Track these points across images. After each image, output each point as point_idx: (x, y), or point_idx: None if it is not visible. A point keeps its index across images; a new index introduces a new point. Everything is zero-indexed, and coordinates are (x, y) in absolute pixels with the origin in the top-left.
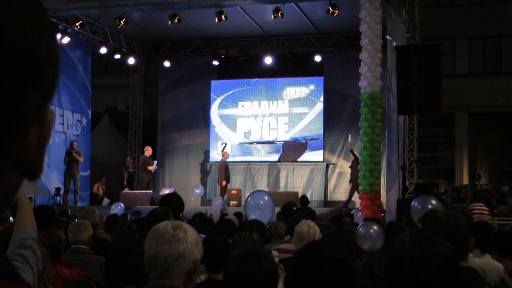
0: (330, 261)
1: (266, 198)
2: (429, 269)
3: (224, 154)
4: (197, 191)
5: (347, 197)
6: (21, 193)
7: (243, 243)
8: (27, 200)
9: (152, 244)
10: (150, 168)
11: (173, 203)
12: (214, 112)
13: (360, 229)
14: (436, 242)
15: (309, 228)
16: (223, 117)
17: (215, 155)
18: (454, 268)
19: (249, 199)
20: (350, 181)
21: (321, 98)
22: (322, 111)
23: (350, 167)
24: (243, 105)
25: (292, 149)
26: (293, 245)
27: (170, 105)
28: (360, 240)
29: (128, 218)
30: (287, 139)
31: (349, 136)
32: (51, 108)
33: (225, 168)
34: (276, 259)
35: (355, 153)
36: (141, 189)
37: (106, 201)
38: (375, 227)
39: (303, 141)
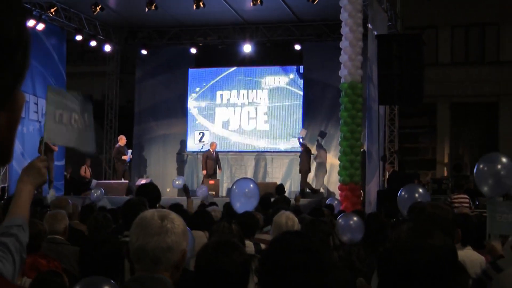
0: (300, 251)
1: (251, 185)
2: (425, 262)
3: (212, 144)
4: (177, 182)
5: (311, 188)
6: (20, 182)
7: (220, 234)
8: (25, 188)
9: (139, 236)
10: (124, 157)
11: (150, 193)
12: (192, 101)
13: (340, 220)
14: (434, 235)
15: (287, 219)
16: (201, 107)
17: (192, 145)
18: (452, 263)
19: (234, 187)
20: (300, 172)
21: (301, 87)
22: (302, 101)
23: (299, 157)
24: (221, 94)
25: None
26: (271, 236)
27: (147, 94)
28: (339, 232)
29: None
30: (269, 145)
31: (302, 130)
32: (23, 92)
33: (206, 158)
34: None
35: (306, 144)
36: (116, 179)
37: (94, 182)
38: (355, 218)
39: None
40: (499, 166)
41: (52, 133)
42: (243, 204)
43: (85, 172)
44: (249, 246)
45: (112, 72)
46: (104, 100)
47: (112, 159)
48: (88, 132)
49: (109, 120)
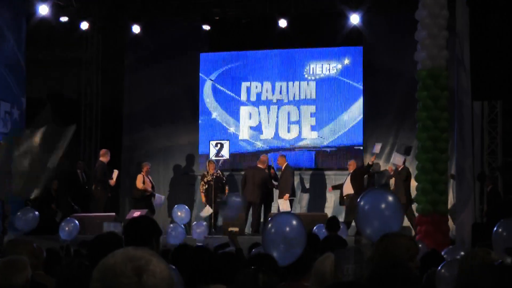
0: None
1: (294, 222)
2: None
3: (262, 160)
4: (179, 213)
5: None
6: None
7: None
8: None
9: None
10: (111, 182)
11: (144, 230)
12: (206, 98)
13: (443, 270)
14: None
15: (333, 265)
16: (218, 105)
17: (206, 161)
18: None
19: (270, 225)
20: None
21: (360, 77)
22: (362, 96)
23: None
24: (248, 87)
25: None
26: None
27: (141, 90)
28: (442, 286)
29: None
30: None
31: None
32: None
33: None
34: None
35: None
36: (97, 211)
37: (159, 198)
38: None
39: (334, 149)
40: None
41: None
42: (282, 251)
43: (143, 183)
44: None
45: (91, 59)
46: (80, 98)
47: (91, 182)
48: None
49: (87, 128)
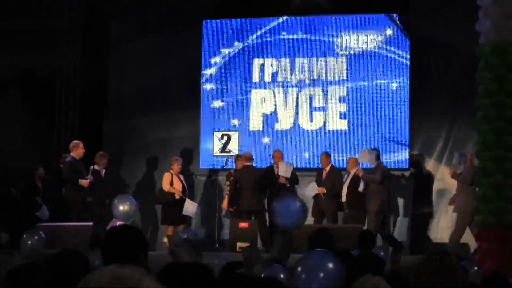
0: None
1: (330, 266)
2: None
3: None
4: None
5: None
6: None
7: None
8: None
9: None
10: (83, 182)
11: (129, 242)
12: (209, 78)
13: None
14: None
15: None
16: (225, 88)
17: (210, 158)
18: None
19: (299, 269)
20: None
21: (406, 53)
22: (408, 77)
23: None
24: (261, 65)
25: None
26: None
27: (130, 68)
28: None
29: None
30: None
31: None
32: None
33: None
34: None
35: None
36: (71, 218)
37: (192, 206)
38: None
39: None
40: None
41: None
42: None
43: (171, 184)
44: None
45: (69, 29)
46: (55, 78)
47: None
48: None
49: (63, 113)
